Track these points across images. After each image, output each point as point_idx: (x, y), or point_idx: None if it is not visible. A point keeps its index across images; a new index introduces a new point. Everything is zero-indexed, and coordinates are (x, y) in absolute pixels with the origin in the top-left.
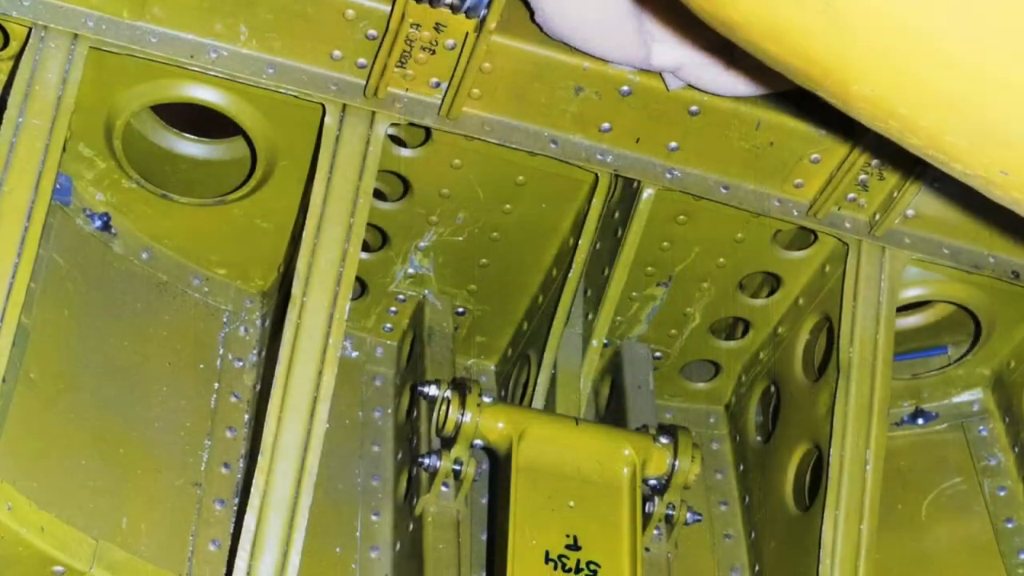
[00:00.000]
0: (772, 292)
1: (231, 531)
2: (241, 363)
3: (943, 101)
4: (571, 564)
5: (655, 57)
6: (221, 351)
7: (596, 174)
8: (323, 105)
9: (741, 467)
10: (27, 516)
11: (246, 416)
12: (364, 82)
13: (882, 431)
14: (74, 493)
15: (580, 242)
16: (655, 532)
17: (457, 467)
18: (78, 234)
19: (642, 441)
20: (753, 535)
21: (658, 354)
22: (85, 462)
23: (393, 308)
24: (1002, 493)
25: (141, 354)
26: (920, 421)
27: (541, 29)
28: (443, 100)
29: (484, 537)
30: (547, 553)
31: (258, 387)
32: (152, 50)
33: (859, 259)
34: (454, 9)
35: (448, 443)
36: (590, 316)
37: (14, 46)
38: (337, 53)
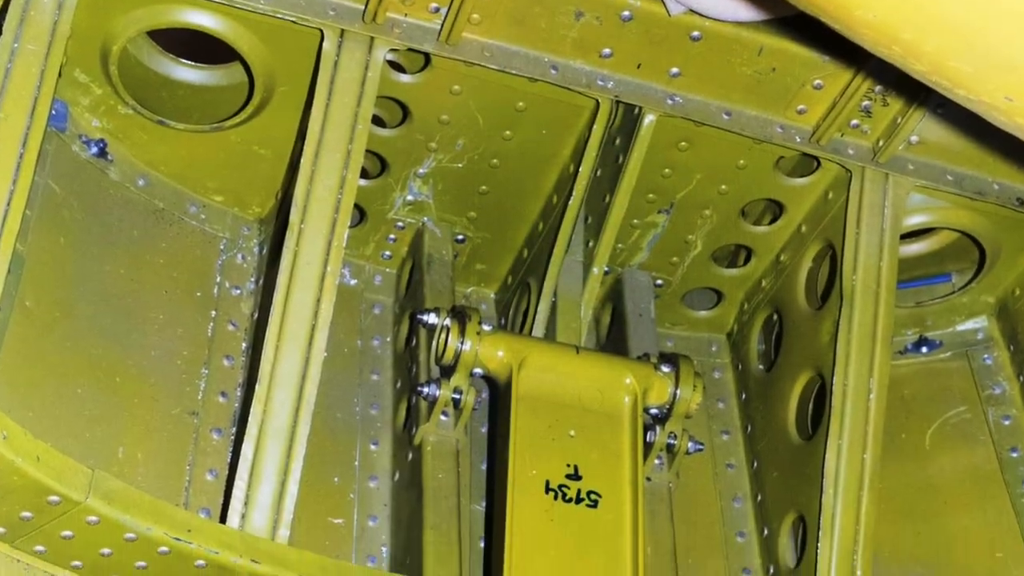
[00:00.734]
0: (775, 219)
1: (228, 461)
2: (238, 291)
3: (947, 26)
4: (571, 494)
5: None
6: (218, 279)
7: (597, 100)
8: (321, 30)
9: (743, 396)
10: (22, 445)
11: (243, 344)
12: (363, 7)
13: (885, 359)
14: (70, 422)
15: (581, 169)
16: (656, 462)
17: (456, 396)
18: (74, 161)
19: (643, 370)
20: (755, 464)
21: (659, 282)
22: (81, 391)
23: (392, 235)
24: (1007, 422)
25: (137, 282)
26: (924, 349)
27: None
28: (442, 25)
29: (484, 467)
30: (547, 483)
31: (255, 315)
32: None
33: (862, 186)
34: None
35: (447, 372)
36: (591, 243)
37: None
38: None
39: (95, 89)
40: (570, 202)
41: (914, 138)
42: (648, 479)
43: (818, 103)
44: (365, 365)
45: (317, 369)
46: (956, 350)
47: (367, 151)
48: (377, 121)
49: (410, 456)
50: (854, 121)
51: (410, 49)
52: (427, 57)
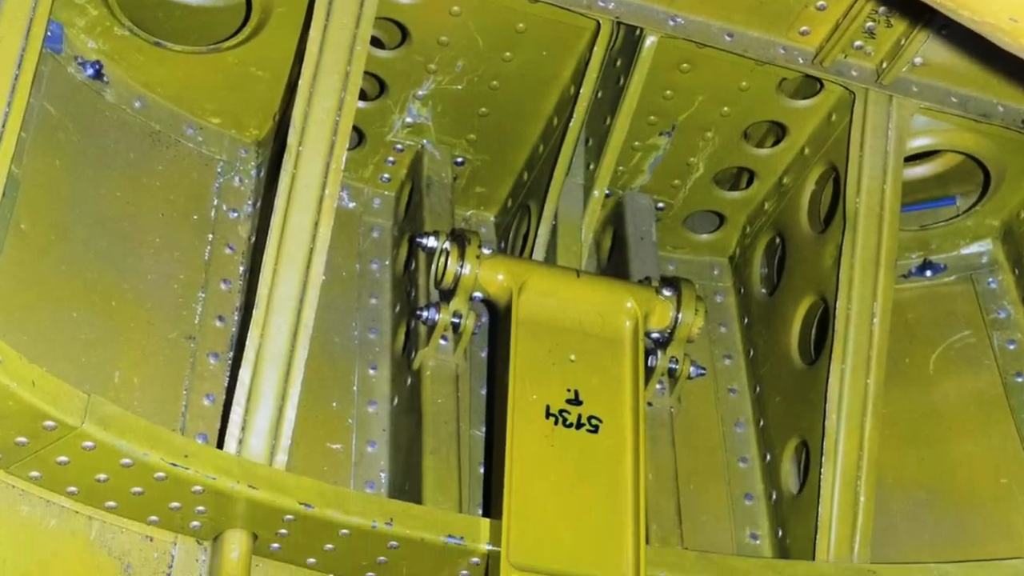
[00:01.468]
0: (777, 142)
1: (225, 385)
2: (236, 214)
3: None
4: (572, 419)
5: None
6: (215, 202)
7: (598, 21)
8: None
9: (746, 320)
10: (17, 370)
11: (241, 268)
12: None
13: (889, 283)
14: (66, 346)
15: (581, 91)
16: (658, 386)
17: (456, 320)
18: (70, 83)
19: (645, 293)
20: (758, 389)
21: (661, 205)
22: (77, 315)
23: (391, 158)
24: (1011, 346)
25: (134, 204)
26: (928, 273)
27: None
28: None
29: (484, 392)
30: (548, 407)
31: (253, 238)
32: None
33: (866, 108)
34: None
35: (447, 296)
36: (591, 166)
37: None
38: None
39: (91, 10)
40: (571, 124)
41: (918, 60)
42: (649, 404)
43: (821, 24)
44: (363, 289)
45: (315, 293)
46: (960, 274)
47: (365, 73)
48: (376, 43)
49: (409, 381)
50: (857, 43)
51: None
52: None
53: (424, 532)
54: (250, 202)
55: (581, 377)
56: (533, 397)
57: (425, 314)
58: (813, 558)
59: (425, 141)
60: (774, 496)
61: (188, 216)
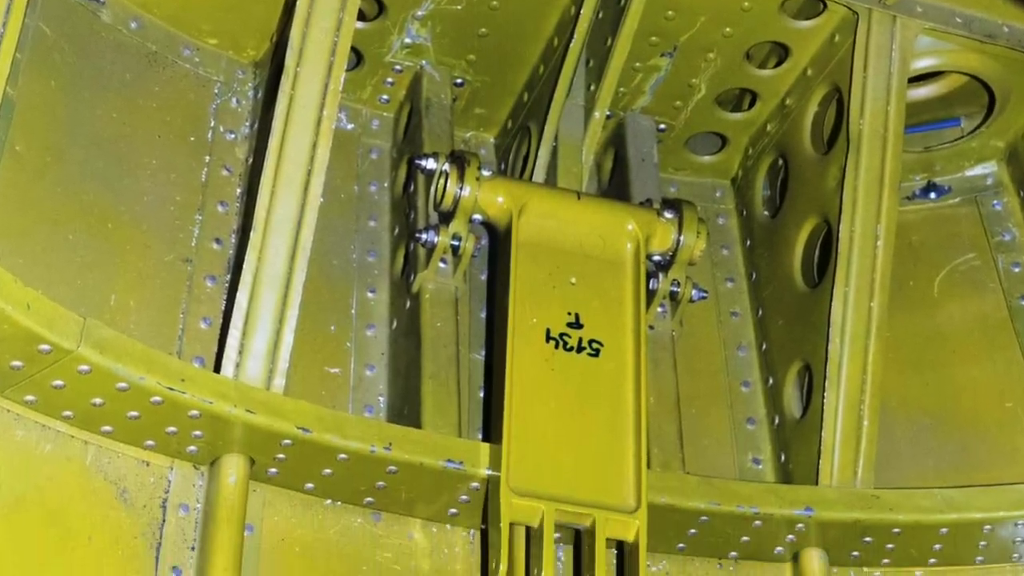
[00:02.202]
0: (780, 63)
1: (222, 308)
2: (233, 135)
3: None
4: (573, 342)
5: None
6: (212, 123)
7: None
8: None
9: (748, 242)
10: (12, 293)
11: (238, 190)
12: None
13: (893, 205)
14: (61, 270)
15: (582, 11)
16: (659, 309)
17: (455, 242)
18: (65, 3)
19: (646, 216)
20: (760, 312)
21: (662, 126)
22: (72, 237)
23: (390, 79)
24: (1016, 269)
25: (130, 126)
26: (932, 195)
27: None
28: None
29: (483, 315)
30: (548, 331)
31: (250, 160)
32: None
33: (869, 28)
34: None
35: (446, 218)
36: (592, 87)
37: None
38: None
39: None
40: (571, 45)
41: None
42: (651, 327)
43: None
44: (362, 211)
45: (313, 215)
46: (965, 196)
47: None
48: None
49: (408, 304)
50: None
51: None
52: None
53: (423, 457)
54: (247, 124)
55: (582, 300)
56: (533, 320)
57: (424, 236)
58: (816, 483)
59: (424, 62)
60: (777, 420)
61: (185, 138)
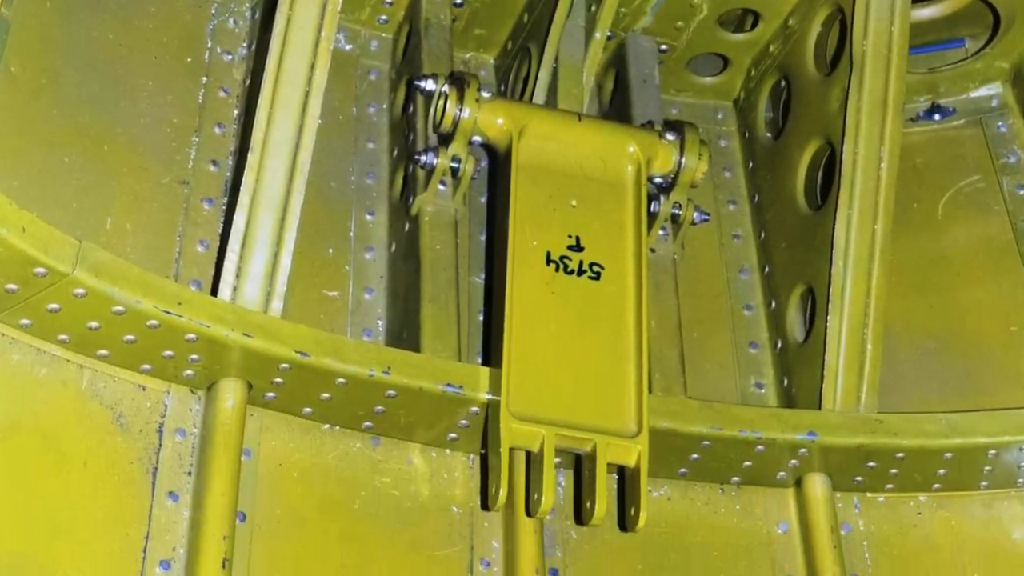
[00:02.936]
0: None
1: (220, 231)
2: (230, 56)
3: None
4: (573, 265)
5: None
6: (209, 44)
7: None
8: None
9: (750, 164)
10: (8, 216)
11: (235, 112)
12: None
13: (897, 127)
14: (57, 192)
15: None
16: (660, 232)
17: (455, 165)
18: None
19: (647, 137)
20: (762, 235)
21: (664, 47)
22: (68, 160)
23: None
24: (1021, 191)
25: (126, 47)
26: (936, 117)
27: None
28: None
29: (483, 238)
30: (548, 254)
31: (248, 81)
32: None
33: None
34: None
35: (445, 140)
36: (593, 7)
37: None
38: None
39: None
40: None
41: None
42: (652, 250)
43: None
44: (360, 133)
45: (311, 137)
46: (970, 117)
47: None
48: None
49: (407, 227)
50: None
51: None
52: None
53: (422, 381)
54: (244, 44)
55: (582, 223)
56: (533, 243)
57: (423, 158)
58: (819, 407)
59: None
60: (779, 344)
61: (181, 59)
